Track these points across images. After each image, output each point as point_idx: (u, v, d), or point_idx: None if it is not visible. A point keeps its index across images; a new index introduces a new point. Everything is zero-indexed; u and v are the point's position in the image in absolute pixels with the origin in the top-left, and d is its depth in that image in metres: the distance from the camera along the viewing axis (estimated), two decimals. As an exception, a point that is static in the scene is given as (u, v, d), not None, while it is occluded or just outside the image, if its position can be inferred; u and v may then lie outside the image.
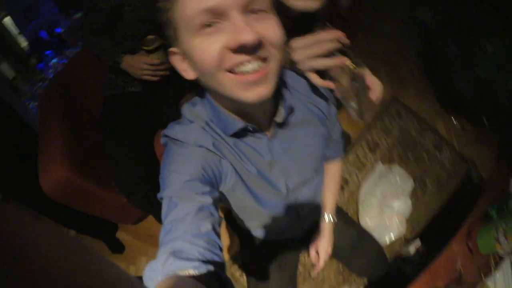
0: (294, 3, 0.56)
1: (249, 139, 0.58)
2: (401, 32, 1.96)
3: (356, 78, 0.55)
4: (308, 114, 0.65)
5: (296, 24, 0.58)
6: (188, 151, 0.53)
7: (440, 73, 1.66)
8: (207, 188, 0.49)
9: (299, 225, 0.87)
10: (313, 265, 1.01)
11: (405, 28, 1.98)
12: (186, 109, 0.58)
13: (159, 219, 1.43)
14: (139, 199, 1.23)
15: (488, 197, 1.12)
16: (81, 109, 1.45)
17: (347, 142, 1.47)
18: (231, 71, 0.44)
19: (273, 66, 0.46)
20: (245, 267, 1.15)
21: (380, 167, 1.39)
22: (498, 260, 1.08)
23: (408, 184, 1.37)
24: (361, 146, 1.43)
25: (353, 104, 0.57)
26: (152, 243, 1.55)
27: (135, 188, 1.20)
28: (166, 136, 0.56)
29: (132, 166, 1.19)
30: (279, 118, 0.57)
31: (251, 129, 0.55)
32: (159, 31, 1.02)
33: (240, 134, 0.56)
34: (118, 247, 1.60)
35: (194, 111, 0.57)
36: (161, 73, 1.18)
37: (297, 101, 0.63)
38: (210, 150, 0.54)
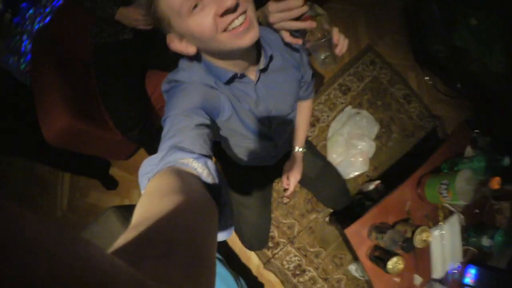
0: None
1: (239, 84, 0.71)
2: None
3: (325, 36, 0.66)
4: (285, 62, 0.78)
5: None
6: (192, 87, 0.64)
7: (419, 32, 1.72)
8: (205, 115, 0.59)
9: (275, 153, 1.01)
10: (284, 190, 1.17)
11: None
12: (183, 62, 0.70)
13: (151, 152, 1.53)
14: (135, 135, 1.33)
15: (443, 153, 1.24)
16: (71, 57, 1.48)
17: (320, 83, 1.57)
18: (225, 30, 0.56)
19: (251, 14, 0.58)
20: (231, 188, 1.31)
21: (349, 109, 1.50)
22: (448, 213, 1.23)
23: (374, 128, 1.50)
24: (334, 88, 1.53)
25: (320, 56, 0.69)
26: (143, 176, 1.68)
27: (131, 125, 1.29)
28: (171, 81, 0.66)
29: (127, 106, 1.28)
30: (261, 65, 0.70)
31: (239, 75, 0.68)
32: None
33: (231, 81, 0.69)
34: (112, 183, 1.71)
35: (191, 64, 0.69)
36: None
37: (275, 51, 0.75)
38: (212, 87, 0.67)
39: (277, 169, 1.15)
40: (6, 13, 3.32)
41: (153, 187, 0.36)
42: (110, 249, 0.25)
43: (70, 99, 1.30)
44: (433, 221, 1.21)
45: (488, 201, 1.36)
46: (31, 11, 3.26)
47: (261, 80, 0.75)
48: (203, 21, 0.55)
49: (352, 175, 1.47)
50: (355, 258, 1.56)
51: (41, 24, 2.58)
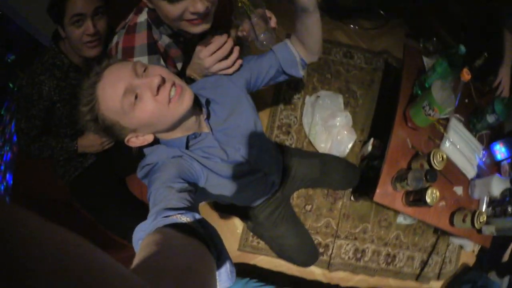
0: (192, 30, 0.75)
1: (199, 144, 0.76)
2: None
3: (258, 17, 0.74)
4: (224, 101, 0.83)
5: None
6: (164, 164, 0.68)
7: None
8: (184, 182, 0.63)
9: (271, 179, 1.03)
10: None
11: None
12: (146, 150, 0.75)
13: None
14: None
15: (407, 80, 1.25)
16: (50, 205, 1.48)
17: (268, 95, 1.59)
18: (169, 102, 0.63)
19: (179, 82, 0.66)
20: (258, 235, 1.33)
21: (308, 99, 1.55)
22: (445, 122, 1.26)
23: (339, 100, 1.55)
24: (284, 90, 1.57)
25: (260, 36, 0.76)
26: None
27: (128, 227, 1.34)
28: (144, 166, 0.71)
29: (126, 214, 1.29)
30: (205, 115, 0.77)
31: (194, 135, 0.74)
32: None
33: (190, 144, 0.75)
34: None
35: (153, 148, 0.74)
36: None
37: (213, 92, 0.82)
38: (181, 156, 0.71)
39: (286, 188, 1.19)
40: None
41: (147, 242, 0.37)
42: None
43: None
44: (438, 137, 1.25)
45: (470, 88, 1.39)
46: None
47: (215, 129, 0.80)
48: (146, 107, 0.62)
49: (347, 150, 1.52)
50: (397, 211, 1.62)
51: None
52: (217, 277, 0.40)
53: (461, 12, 1.74)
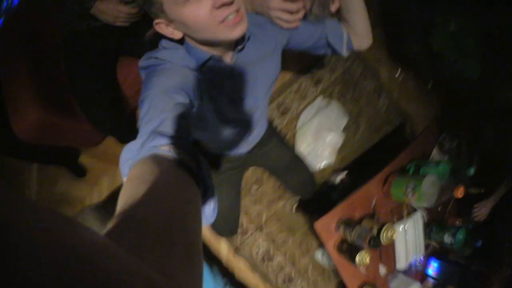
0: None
1: (216, 68, 0.72)
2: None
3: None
4: (261, 46, 0.79)
5: None
6: (173, 67, 0.64)
7: (396, 27, 1.75)
8: (186, 95, 0.59)
9: (250, 140, 1.02)
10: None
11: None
12: (165, 43, 0.69)
13: (123, 140, 1.51)
14: (107, 127, 1.31)
15: (410, 153, 1.29)
16: (40, 44, 1.39)
17: (293, 70, 1.57)
18: (221, 22, 0.58)
19: (243, 11, 0.61)
20: None
21: (319, 100, 1.53)
22: (411, 210, 1.30)
23: (343, 120, 1.54)
24: (305, 78, 1.55)
25: (317, 11, 0.77)
26: (113, 162, 1.64)
27: (103, 118, 1.26)
28: (151, 57, 0.66)
29: (99, 98, 1.24)
30: (239, 47, 0.72)
31: (217, 57, 0.69)
32: None
33: (209, 63, 0.70)
34: (81, 171, 1.67)
35: (173, 45, 0.69)
36: (135, 19, 1.16)
37: (252, 32, 0.77)
38: (192, 70, 0.67)
39: (250, 157, 1.17)
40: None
41: (136, 175, 0.36)
42: (105, 235, 0.25)
43: (40, 90, 1.23)
44: (397, 217, 1.28)
45: (450, 202, 1.45)
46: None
47: (237, 63, 0.76)
48: (199, 12, 0.56)
49: (319, 166, 1.51)
50: (321, 245, 1.64)
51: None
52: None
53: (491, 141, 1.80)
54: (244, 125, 0.91)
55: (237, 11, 0.59)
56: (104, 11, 1.09)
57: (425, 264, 1.44)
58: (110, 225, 0.26)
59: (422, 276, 1.44)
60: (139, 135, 0.47)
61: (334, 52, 0.89)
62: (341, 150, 1.57)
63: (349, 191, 1.22)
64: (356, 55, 1.67)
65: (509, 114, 1.73)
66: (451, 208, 1.48)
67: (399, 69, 1.81)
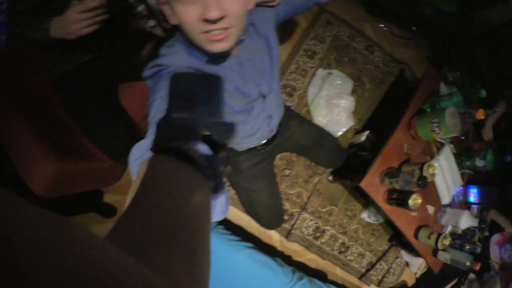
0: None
1: (221, 61, 0.73)
2: None
3: None
4: (261, 30, 0.81)
5: None
6: (177, 70, 0.64)
7: None
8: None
9: (270, 127, 1.04)
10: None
11: None
12: (164, 51, 0.70)
13: None
14: (127, 157, 1.29)
15: (421, 94, 1.35)
16: (30, 97, 1.33)
17: (286, 52, 1.60)
18: (203, 32, 0.59)
19: (233, 30, 0.60)
20: (233, 183, 1.31)
21: (321, 71, 1.58)
22: (440, 145, 1.37)
23: (349, 84, 1.59)
24: (300, 55, 1.60)
25: None
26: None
27: (122, 150, 1.23)
28: (154, 66, 0.66)
29: (113, 132, 1.21)
30: (242, 36, 0.71)
31: (220, 55, 0.68)
32: None
33: (213, 60, 0.71)
34: (110, 211, 1.62)
35: (172, 50, 0.70)
36: (101, 17, 0.97)
37: (252, 19, 0.78)
38: (197, 69, 0.68)
39: (276, 145, 1.19)
40: None
41: (145, 173, 0.35)
42: (108, 234, 0.25)
43: (46, 140, 1.20)
44: (429, 155, 1.34)
45: (470, 129, 1.51)
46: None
47: (243, 55, 0.77)
48: (187, 15, 0.58)
49: (340, 132, 1.56)
50: (365, 206, 1.68)
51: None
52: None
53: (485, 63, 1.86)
54: (262, 112, 0.91)
55: (225, 29, 0.59)
56: (63, 24, 0.94)
57: (466, 193, 1.50)
58: (115, 223, 0.26)
59: (466, 205, 1.50)
60: (147, 135, 0.48)
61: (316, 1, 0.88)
62: (356, 111, 1.62)
63: (378, 146, 1.28)
64: (339, 20, 1.73)
65: (493, 33, 1.80)
66: (473, 134, 1.54)
67: (381, 21, 1.87)
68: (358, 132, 1.62)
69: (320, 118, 1.51)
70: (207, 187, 0.36)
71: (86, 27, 0.94)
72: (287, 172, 1.53)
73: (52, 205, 1.40)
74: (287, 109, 1.23)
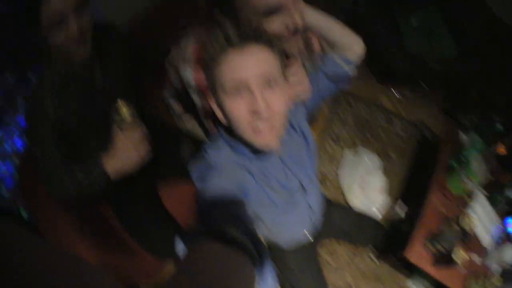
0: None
1: (263, 159, 0.75)
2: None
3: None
4: (295, 122, 0.84)
5: None
6: (223, 169, 0.67)
7: (372, 53, 1.88)
8: (238, 191, 0.62)
9: (312, 218, 1.04)
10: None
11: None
12: (208, 148, 0.73)
13: None
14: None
15: (444, 153, 1.39)
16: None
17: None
18: (249, 123, 0.63)
19: (275, 124, 0.65)
20: (281, 282, 1.28)
21: (348, 154, 1.64)
22: (470, 194, 1.36)
23: (376, 161, 1.64)
24: (326, 141, 1.68)
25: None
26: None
27: (174, 253, 1.25)
28: (200, 167, 0.69)
29: (162, 238, 1.23)
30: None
31: (263, 151, 0.72)
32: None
33: (256, 157, 0.74)
34: None
35: (217, 146, 0.73)
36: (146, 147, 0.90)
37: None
38: (240, 166, 0.70)
39: (319, 234, 1.18)
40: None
41: (187, 256, 0.37)
42: None
43: (88, 237, 1.24)
44: (464, 207, 1.33)
45: (494, 164, 1.48)
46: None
47: (283, 149, 0.79)
48: (236, 109, 0.62)
49: (376, 210, 1.58)
50: (409, 275, 1.66)
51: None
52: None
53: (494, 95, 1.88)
54: (303, 203, 0.92)
55: (271, 123, 0.63)
56: (116, 162, 0.85)
57: (505, 227, 1.46)
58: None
59: (508, 237, 1.45)
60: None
61: (342, 79, 0.89)
62: (388, 186, 1.64)
63: (415, 215, 1.29)
64: (357, 99, 1.80)
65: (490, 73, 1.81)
66: (497, 168, 1.52)
67: (392, 87, 1.93)
68: (393, 206, 1.64)
69: (355, 201, 1.54)
70: (252, 271, 0.37)
71: (145, 149, 0.87)
72: (328, 258, 1.55)
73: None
74: (323, 197, 1.24)
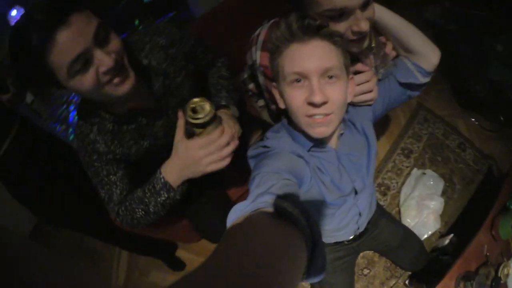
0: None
1: (321, 154, 0.76)
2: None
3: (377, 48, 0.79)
4: (359, 126, 0.83)
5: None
6: (282, 153, 0.68)
7: (456, 75, 1.77)
8: (294, 178, 0.59)
9: (358, 223, 1.01)
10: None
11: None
12: (269, 134, 0.77)
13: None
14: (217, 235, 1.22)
15: (506, 191, 1.30)
16: None
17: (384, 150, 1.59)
18: (307, 116, 0.65)
19: (333, 117, 0.65)
20: None
21: (415, 171, 1.55)
22: None
23: (440, 185, 1.53)
24: (397, 153, 1.58)
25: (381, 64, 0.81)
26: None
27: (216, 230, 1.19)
28: (259, 147, 0.71)
29: (216, 216, 1.20)
30: (341, 130, 0.77)
31: (321, 142, 0.73)
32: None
33: (313, 149, 0.75)
34: (178, 265, 1.65)
35: (278, 134, 0.76)
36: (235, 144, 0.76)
37: (349, 116, 0.82)
38: (299, 156, 0.71)
39: (363, 242, 1.15)
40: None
41: (235, 225, 0.35)
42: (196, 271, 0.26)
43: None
44: (507, 256, 1.24)
45: None
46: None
47: (342, 150, 0.79)
48: (295, 98, 0.64)
49: (426, 235, 1.49)
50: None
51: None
52: (304, 271, 0.36)
53: None
54: (352, 207, 0.90)
55: (326, 114, 0.64)
56: (183, 172, 0.78)
57: None
58: (198, 268, 0.26)
59: None
60: (247, 198, 0.47)
61: (414, 87, 0.85)
62: (443, 213, 1.54)
63: (459, 250, 1.21)
64: (435, 117, 1.69)
65: None
66: None
67: (472, 115, 1.81)
68: (442, 235, 1.53)
69: (409, 219, 1.46)
70: (302, 245, 0.35)
71: (218, 160, 0.72)
72: (366, 271, 1.47)
73: (125, 239, 1.46)
74: (379, 207, 1.20)
